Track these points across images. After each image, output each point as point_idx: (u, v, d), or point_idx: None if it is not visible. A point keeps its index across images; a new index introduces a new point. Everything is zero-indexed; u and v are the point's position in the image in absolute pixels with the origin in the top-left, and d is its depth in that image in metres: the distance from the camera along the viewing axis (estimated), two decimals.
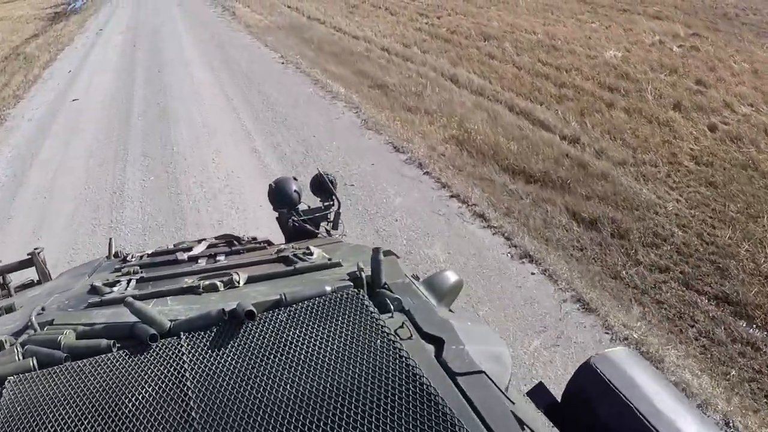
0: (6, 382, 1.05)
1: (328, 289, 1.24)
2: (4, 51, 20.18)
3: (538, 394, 1.22)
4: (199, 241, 2.09)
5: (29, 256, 2.31)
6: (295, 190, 2.38)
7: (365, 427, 0.92)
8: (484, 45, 13.41)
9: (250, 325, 1.13)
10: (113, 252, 2.33)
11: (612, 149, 7.40)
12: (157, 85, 12.20)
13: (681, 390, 3.62)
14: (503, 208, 6.20)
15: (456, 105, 9.61)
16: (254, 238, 2.24)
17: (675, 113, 8.50)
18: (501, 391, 1.08)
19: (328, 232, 2.38)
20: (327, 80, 11.24)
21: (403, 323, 1.15)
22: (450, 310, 1.45)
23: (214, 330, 1.13)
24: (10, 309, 1.54)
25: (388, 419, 0.93)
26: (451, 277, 1.51)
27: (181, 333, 1.13)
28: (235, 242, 2.05)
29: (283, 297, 1.20)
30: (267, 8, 20.99)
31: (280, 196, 2.39)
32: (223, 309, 1.16)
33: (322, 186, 2.48)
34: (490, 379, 1.08)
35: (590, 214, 5.95)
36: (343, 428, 0.93)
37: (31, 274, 2.54)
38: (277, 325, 1.13)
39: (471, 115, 9.01)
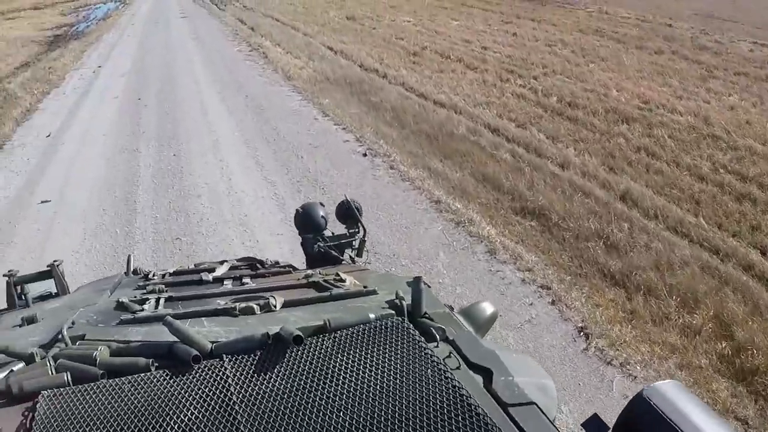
0: (40, 397, 1.02)
1: (372, 316, 1.23)
2: None
3: (593, 425, 1.19)
4: (221, 263, 2.02)
5: (48, 268, 2.11)
6: (322, 216, 2.34)
7: None
8: (625, 131, 9.49)
9: (295, 350, 1.12)
10: (132, 268, 2.26)
11: None
12: (173, 182, 8.10)
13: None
14: None
15: (675, 264, 5.61)
16: (277, 262, 2.12)
17: None
18: (551, 422, 1.09)
19: (352, 259, 2.32)
20: (449, 199, 7.18)
21: (450, 353, 1.15)
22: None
23: (258, 354, 1.12)
24: (31, 320, 1.48)
25: None
26: (488, 308, 1.56)
27: (224, 355, 1.11)
28: (258, 265, 1.99)
29: (328, 323, 1.18)
30: (303, 50, 17.09)
31: (307, 221, 2.33)
32: (267, 333, 1.14)
33: (348, 213, 2.41)
34: (541, 410, 1.09)
35: None
36: None
37: (48, 285, 2.25)
38: (323, 351, 1.12)
39: (715, 299, 5.03)
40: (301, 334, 1.12)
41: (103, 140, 10.00)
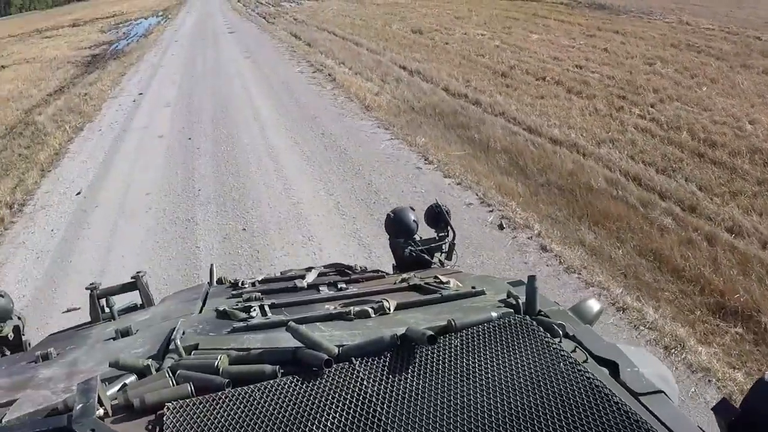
0: (165, 409, 1.00)
1: (494, 315, 1.22)
2: (16, 116, 14.40)
3: (723, 408, 1.17)
4: (309, 269, 1.99)
5: (133, 279, 2.04)
6: (413, 220, 2.33)
7: None
8: None
9: (425, 350, 1.11)
10: (215, 278, 2.25)
11: None
12: (248, 262, 5.65)
13: None
14: None
15: None
16: (365, 267, 2.09)
17: None
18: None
19: (441, 262, 2.31)
20: (633, 301, 4.85)
21: (575, 347, 1.15)
22: None
23: (388, 355, 1.11)
24: (126, 332, 1.46)
25: None
26: (595, 305, 1.55)
27: (353, 358, 1.10)
28: (347, 270, 1.97)
29: (453, 323, 1.17)
30: (374, 70, 14.62)
31: (398, 225, 2.33)
32: (395, 334, 1.13)
33: (438, 217, 2.39)
34: (668, 398, 1.12)
35: None
36: None
37: (130, 297, 2.14)
38: (452, 350, 1.12)
39: None
40: (433, 334, 1.09)
41: (146, 203, 7.58)
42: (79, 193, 8.26)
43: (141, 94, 14.29)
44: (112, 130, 11.33)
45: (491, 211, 6.87)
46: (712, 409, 1.21)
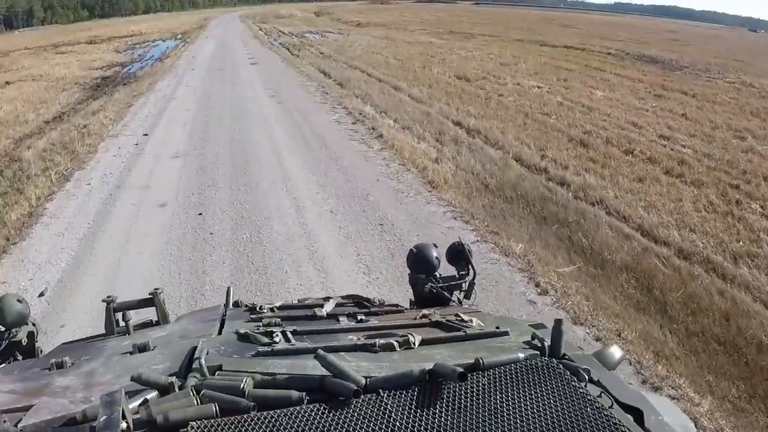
0: (189, 428, 0.98)
1: (521, 356, 1.21)
2: (3, 146, 12.09)
3: None
4: (326, 299, 1.93)
5: (150, 296, 2.01)
6: (435, 257, 2.29)
7: None
8: None
9: (452, 386, 1.10)
10: (232, 300, 2.16)
11: None
12: None
13: None
14: None
15: None
16: (383, 301, 2.06)
17: None
18: None
19: (459, 300, 2.27)
20: None
21: (601, 392, 1.14)
22: None
23: (416, 389, 1.09)
24: (144, 348, 1.41)
25: None
26: (617, 351, 1.51)
27: (380, 390, 1.08)
28: (365, 303, 1.94)
29: (481, 361, 1.16)
30: (424, 124, 12.22)
31: (420, 261, 2.28)
32: (424, 369, 1.12)
33: (459, 255, 2.32)
34: None
35: None
36: None
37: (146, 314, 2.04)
38: (479, 388, 1.11)
39: None
40: (464, 371, 1.08)
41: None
42: (42, 295, 5.74)
43: (146, 135, 11.85)
44: (104, 186, 8.84)
45: (656, 388, 4.36)
46: None
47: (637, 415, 1.11)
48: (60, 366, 1.36)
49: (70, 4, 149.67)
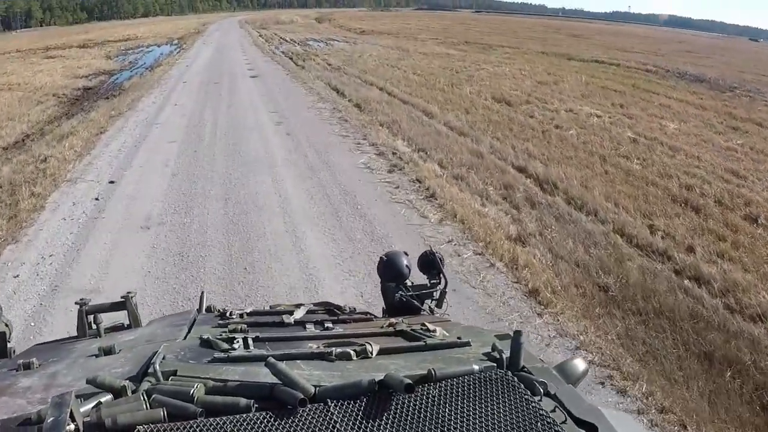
0: None
1: (476, 368, 1.16)
2: None
3: None
4: (298, 306, 1.92)
5: (122, 299, 1.99)
6: (406, 265, 2.24)
7: None
8: None
9: (402, 397, 1.06)
10: (205, 306, 2.16)
11: None
12: None
13: None
14: None
15: None
16: (354, 309, 1.99)
17: None
18: None
19: (431, 309, 2.22)
20: None
21: (555, 407, 1.10)
22: None
23: (364, 400, 1.05)
24: (109, 351, 1.40)
25: None
26: (581, 364, 1.48)
27: (328, 400, 1.05)
28: (336, 310, 1.90)
29: (433, 372, 1.11)
30: (481, 171, 9.16)
31: (391, 269, 2.23)
32: (374, 379, 1.08)
33: (431, 264, 2.28)
34: None
35: None
36: None
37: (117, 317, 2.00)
38: (430, 400, 1.07)
39: None
40: (411, 382, 1.04)
41: None
42: None
43: (112, 182, 8.66)
44: (36, 283, 5.68)
45: None
46: None
47: (592, 430, 1.07)
48: (27, 367, 1.33)
49: (69, 5, 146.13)
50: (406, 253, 2.29)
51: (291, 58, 26.35)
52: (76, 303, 1.85)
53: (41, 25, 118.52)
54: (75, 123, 13.91)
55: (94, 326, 1.82)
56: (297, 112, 13.42)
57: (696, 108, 16.61)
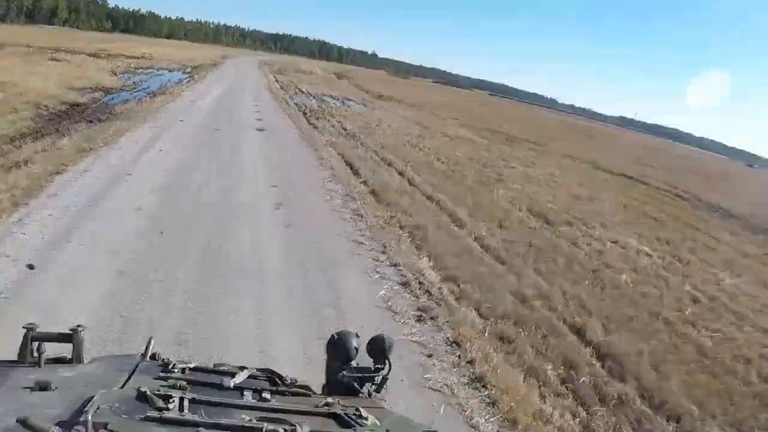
0: None
1: None
2: None
3: None
4: (241, 368, 1.81)
5: (71, 331, 1.83)
6: (355, 347, 2.12)
7: None
8: None
9: None
10: (150, 352, 1.97)
11: None
12: None
13: None
14: None
15: None
16: (295, 380, 1.88)
17: None
18: None
19: (369, 393, 2.06)
20: None
21: None
22: None
23: None
24: (45, 386, 1.34)
25: None
26: None
27: None
28: (277, 380, 1.81)
29: None
30: (534, 334, 6.62)
31: (339, 350, 2.12)
32: None
33: (380, 349, 2.14)
34: None
35: None
36: None
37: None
38: None
39: None
40: None
41: None
42: None
43: (31, 267, 6.00)
44: None
45: None
46: None
47: None
48: None
49: (98, 12, 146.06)
50: (357, 335, 2.13)
51: (305, 113, 24.23)
52: (23, 326, 1.66)
53: (64, 25, 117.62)
54: (39, 148, 11.39)
55: (35, 354, 1.67)
56: (303, 193, 10.95)
57: (742, 256, 14.48)
